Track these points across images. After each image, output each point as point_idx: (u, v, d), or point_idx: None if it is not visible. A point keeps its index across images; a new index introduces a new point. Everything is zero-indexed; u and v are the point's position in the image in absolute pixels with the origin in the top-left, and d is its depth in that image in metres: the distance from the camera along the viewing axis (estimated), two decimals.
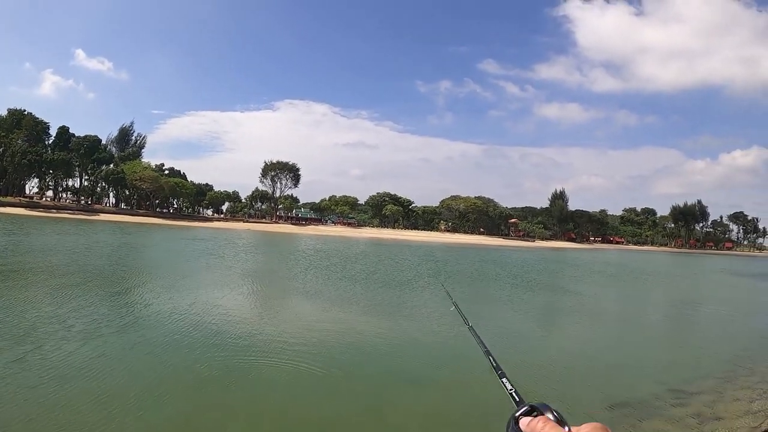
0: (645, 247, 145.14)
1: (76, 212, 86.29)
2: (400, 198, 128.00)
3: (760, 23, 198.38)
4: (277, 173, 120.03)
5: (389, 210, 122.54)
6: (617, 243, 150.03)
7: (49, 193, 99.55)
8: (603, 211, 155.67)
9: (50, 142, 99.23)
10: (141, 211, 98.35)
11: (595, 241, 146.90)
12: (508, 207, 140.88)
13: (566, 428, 0.87)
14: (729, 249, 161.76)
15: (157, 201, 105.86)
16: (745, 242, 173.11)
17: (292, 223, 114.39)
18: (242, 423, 6.24)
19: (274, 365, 8.44)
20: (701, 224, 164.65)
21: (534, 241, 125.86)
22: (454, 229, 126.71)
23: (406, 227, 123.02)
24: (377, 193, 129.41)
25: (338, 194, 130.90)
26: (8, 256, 22.14)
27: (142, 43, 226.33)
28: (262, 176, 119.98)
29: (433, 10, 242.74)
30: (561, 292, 25.39)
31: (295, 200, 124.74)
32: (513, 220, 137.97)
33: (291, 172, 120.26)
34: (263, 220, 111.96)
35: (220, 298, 14.95)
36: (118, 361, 7.96)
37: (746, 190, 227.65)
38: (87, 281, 16.32)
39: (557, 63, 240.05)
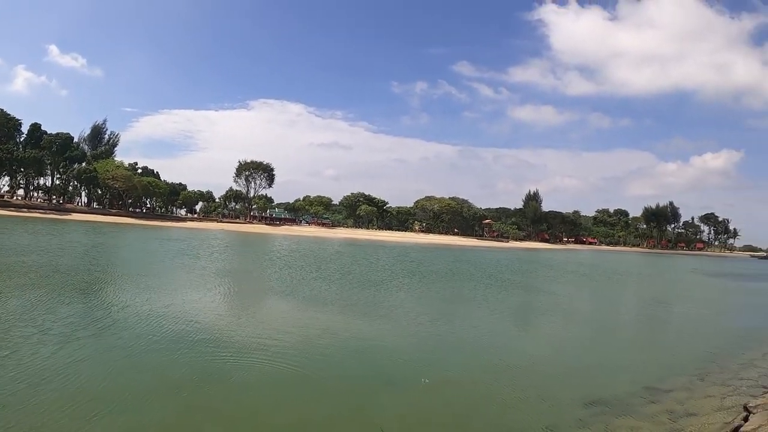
0: (617, 248, 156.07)
1: (47, 211, 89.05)
2: (375, 198, 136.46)
3: (732, 30, 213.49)
4: (251, 173, 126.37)
5: (364, 210, 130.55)
6: (590, 243, 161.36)
7: (20, 191, 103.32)
8: (576, 212, 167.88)
9: (22, 139, 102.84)
10: (114, 210, 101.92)
11: (568, 242, 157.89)
12: (483, 208, 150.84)
13: None
14: (700, 249, 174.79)
15: (129, 200, 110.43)
16: (716, 243, 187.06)
17: (266, 224, 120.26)
18: (220, 425, 6.48)
19: (252, 366, 8.81)
20: (673, 225, 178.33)
21: (508, 241, 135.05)
22: (428, 230, 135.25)
23: (380, 228, 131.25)
24: (352, 194, 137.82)
25: (313, 194, 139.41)
26: None
27: (117, 40, 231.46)
28: (236, 176, 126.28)
29: (408, 11, 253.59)
30: (535, 292, 27.09)
31: (270, 200, 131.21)
32: (487, 220, 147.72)
33: (265, 171, 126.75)
34: (237, 220, 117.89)
35: (196, 299, 15.52)
36: (95, 364, 8.16)
37: (717, 191, 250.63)
38: (62, 283, 16.57)
39: (532, 66, 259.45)
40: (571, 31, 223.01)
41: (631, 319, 20.83)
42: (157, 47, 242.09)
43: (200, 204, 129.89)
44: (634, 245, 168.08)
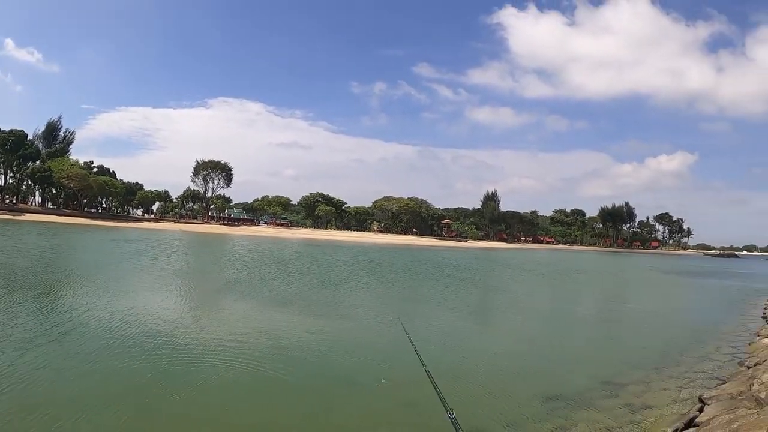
0: (574, 247, 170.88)
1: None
2: (334, 198, 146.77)
3: (688, 37, 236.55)
4: (209, 172, 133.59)
5: (322, 210, 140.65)
6: (548, 243, 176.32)
7: None
8: (534, 212, 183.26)
9: None
10: (68, 210, 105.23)
11: (526, 241, 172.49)
12: (441, 208, 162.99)
13: None
14: (655, 248, 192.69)
15: (85, 200, 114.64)
16: (671, 241, 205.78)
17: (224, 224, 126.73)
18: (180, 428, 6.83)
19: (213, 368, 9.22)
20: (628, 225, 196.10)
21: (466, 241, 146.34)
22: (386, 230, 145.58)
23: (339, 228, 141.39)
24: (310, 194, 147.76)
25: (271, 194, 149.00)
26: None
27: (75, 35, 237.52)
28: (194, 175, 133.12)
29: (368, 12, 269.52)
30: (494, 290, 28.94)
31: (228, 200, 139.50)
32: (446, 220, 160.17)
33: (223, 171, 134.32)
34: (195, 221, 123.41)
35: (157, 301, 15.84)
36: (57, 371, 8.40)
37: (671, 192, 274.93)
38: (20, 287, 16.72)
39: (490, 68, 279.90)
40: (529, 35, 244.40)
41: (588, 316, 21.99)
42: (116, 43, 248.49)
43: (157, 204, 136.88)
44: (590, 244, 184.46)
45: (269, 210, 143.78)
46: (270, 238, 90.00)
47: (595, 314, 22.79)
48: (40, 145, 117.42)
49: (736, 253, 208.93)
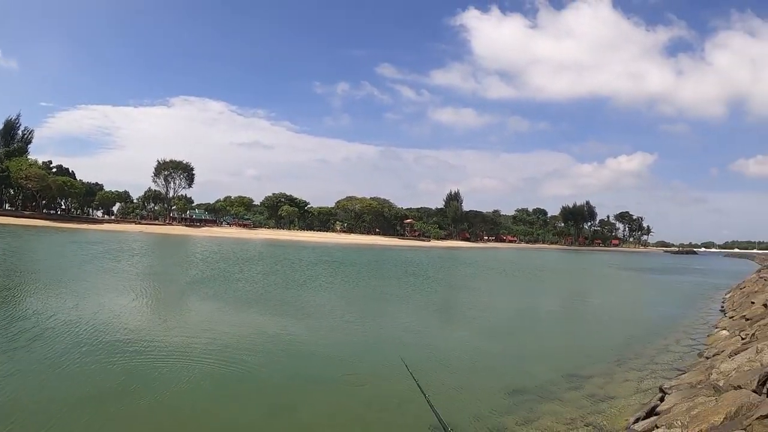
0: (537, 245, 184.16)
1: None
2: (297, 199, 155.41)
3: (648, 41, 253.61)
4: (170, 172, 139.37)
5: (285, 211, 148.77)
6: (510, 242, 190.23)
7: None
8: (496, 212, 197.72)
9: None
10: (27, 212, 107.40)
11: (489, 240, 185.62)
12: (404, 208, 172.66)
13: None
14: (616, 246, 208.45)
15: (44, 201, 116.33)
16: (631, 239, 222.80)
17: (186, 225, 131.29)
18: (146, 431, 7.05)
19: (178, 369, 9.51)
20: (589, 223, 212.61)
21: (429, 240, 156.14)
22: (350, 230, 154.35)
23: (302, 228, 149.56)
24: (273, 194, 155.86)
25: (234, 195, 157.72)
26: None
27: (34, 31, 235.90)
28: (155, 176, 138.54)
29: (332, 12, 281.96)
30: (457, 289, 30.24)
31: (190, 201, 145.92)
32: (408, 220, 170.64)
33: (185, 171, 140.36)
34: (156, 222, 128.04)
35: (123, 304, 16.49)
36: (26, 378, 8.57)
37: (631, 191, 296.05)
38: None
39: (453, 70, 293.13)
40: (492, 37, 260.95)
41: (551, 312, 22.93)
42: (76, 40, 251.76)
43: (118, 205, 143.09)
44: (552, 243, 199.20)
45: (232, 211, 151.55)
46: (233, 239, 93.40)
47: (558, 310, 23.88)
48: None
49: (695, 249, 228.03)
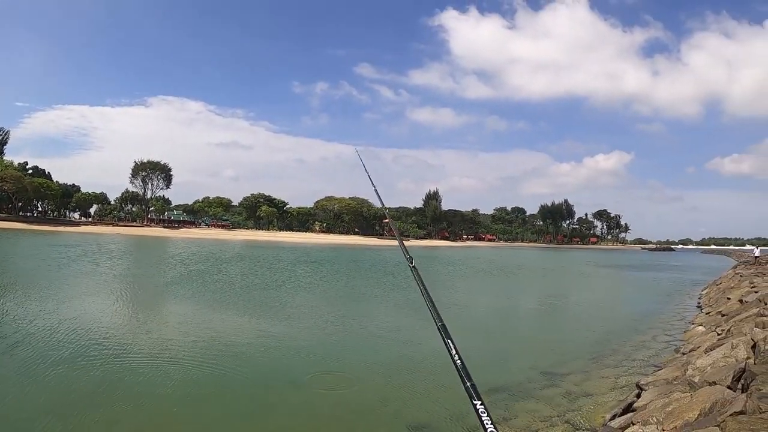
0: (516, 244, 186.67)
1: None
2: (275, 199, 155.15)
3: (624, 42, 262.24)
4: (148, 173, 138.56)
5: (264, 211, 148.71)
6: (489, 240, 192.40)
7: None
8: (475, 211, 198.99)
9: None
10: (2, 214, 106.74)
11: (468, 239, 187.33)
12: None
13: None
14: (594, 243, 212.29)
15: (20, 203, 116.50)
16: (609, 237, 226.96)
17: (165, 226, 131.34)
18: None
19: (156, 372, 9.49)
20: (568, 221, 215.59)
21: (408, 239, 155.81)
22: (328, 230, 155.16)
23: (281, 228, 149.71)
24: (252, 195, 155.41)
25: (212, 196, 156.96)
26: None
27: (9, 30, 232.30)
28: (133, 177, 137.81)
29: (310, 12, 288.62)
30: (435, 287, 29.07)
31: (168, 202, 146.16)
32: (387, 219, 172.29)
33: (163, 172, 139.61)
34: (134, 224, 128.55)
35: (104, 307, 16.53)
36: (7, 384, 8.53)
37: (608, 190, 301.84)
38: None
39: (431, 69, 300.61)
40: (470, 37, 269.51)
41: (529, 309, 23.15)
42: (53, 39, 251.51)
43: (95, 207, 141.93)
44: (531, 241, 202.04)
45: (210, 212, 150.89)
46: (211, 240, 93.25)
47: (536, 308, 23.98)
48: None
49: (673, 246, 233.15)
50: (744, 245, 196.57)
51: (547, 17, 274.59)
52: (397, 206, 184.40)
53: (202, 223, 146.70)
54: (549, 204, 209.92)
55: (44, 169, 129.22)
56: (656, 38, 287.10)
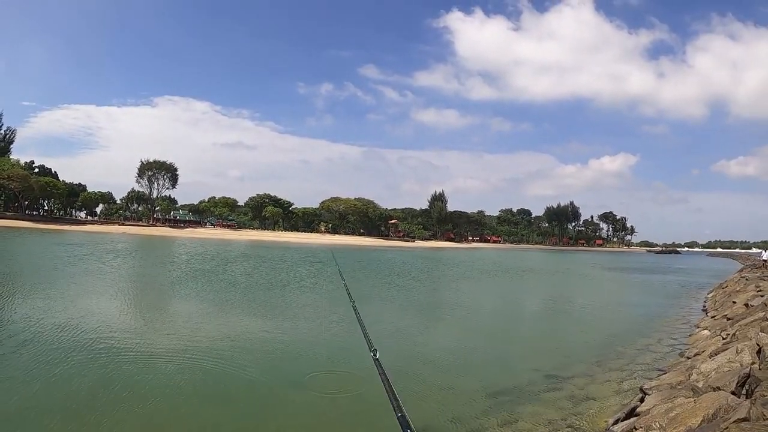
0: (521, 246, 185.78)
1: None
2: (281, 199, 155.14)
3: (629, 44, 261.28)
4: (154, 173, 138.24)
5: (269, 212, 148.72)
6: (495, 242, 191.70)
7: None
8: (481, 212, 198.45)
9: None
10: (9, 213, 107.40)
11: (473, 241, 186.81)
12: (388, 208, 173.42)
13: None
14: (600, 246, 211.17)
15: (26, 202, 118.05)
16: (615, 239, 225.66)
17: (170, 226, 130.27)
18: None
19: (159, 371, 9.54)
20: (573, 223, 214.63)
21: (414, 241, 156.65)
22: (334, 231, 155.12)
23: (286, 229, 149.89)
24: (257, 195, 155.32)
25: (218, 196, 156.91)
26: None
27: (16, 29, 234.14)
28: (139, 176, 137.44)
29: (315, 13, 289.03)
30: (440, 289, 30.54)
31: (173, 202, 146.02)
32: (393, 220, 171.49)
33: (169, 172, 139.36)
34: (140, 223, 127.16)
35: (107, 306, 16.62)
36: (19, 383, 8.55)
37: (614, 192, 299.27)
38: None
39: (436, 71, 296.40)
40: (475, 38, 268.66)
41: (533, 312, 23.20)
42: (60, 38, 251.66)
43: (101, 206, 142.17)
44: (537, 243, 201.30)
45: (216, 211, 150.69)
46: (217, 240, 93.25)
47: (541, 310, 23.84)
48: None
49: (678, 249, 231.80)
50: (750, 248, 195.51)
51: (552, 19, 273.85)
52: (403, 207, 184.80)
53: (208, 223, 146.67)
54: (554, 206, 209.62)
55: (50, 168, 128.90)
56: (661, 40, 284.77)
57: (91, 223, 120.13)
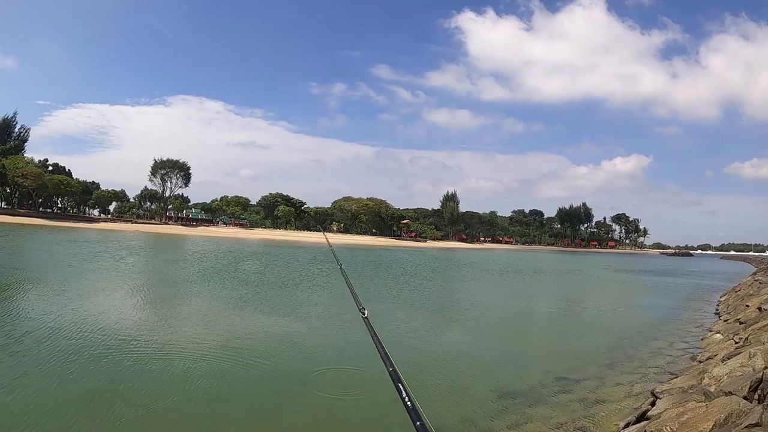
0: (533, 247, 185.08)
1: None
2: (293, 199, 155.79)
3: (642, 45, 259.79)
4: (167, 172, 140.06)
5: (281, 211, 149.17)
6: (506, 243, 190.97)
7: None
8: (493, 213, 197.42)
9: None
10: (23, 210, 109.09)
11: (485, 241, 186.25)
12: (400, 208, 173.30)
13: None
14: (612, 247, 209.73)
15: (40, 200, 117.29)
16: (627, 241, 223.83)
17: (183, 224, 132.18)
18: None
19: (172, 367, 9.65)
20: (586, 225, 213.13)
21: (426, 241, 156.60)
22: (346, 230, 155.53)
23: (298, 228, 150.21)
24: (270, 194, 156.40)
25: (230, 194, 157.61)
26: None
27: (32, 29, 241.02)
28: (152, 175, 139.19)
29: (328, 13, 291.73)
30: (452, 290, 30.67)
31: (186, 200, 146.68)
32: (405, 221, 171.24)
33: (181, 170, 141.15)
34: (152, 221, 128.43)
35: (122, 303, 16.81)
36: (36, 379, 8.66)
37: (625, 193, 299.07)
38: None
39: (448, 71, 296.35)
40: (487, 39, 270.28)
41: (545, 313, 23.23)
42: (74, 38, 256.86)
43: (114, 204, 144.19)
44: (549, 244, 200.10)
45: (228, 210, 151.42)
46: (229, 238, 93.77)
47: (552, 312, 23.75)
48: None
49: (691, 252, 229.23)
50: (764, 251, 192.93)
51: (564, 19, 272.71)
52: (415, 208, 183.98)
53: (220, 222, 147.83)
54: (567, 207, 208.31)
55: (64, 167, 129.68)
56: (674, 40, 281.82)
57: (105, 221, 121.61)
